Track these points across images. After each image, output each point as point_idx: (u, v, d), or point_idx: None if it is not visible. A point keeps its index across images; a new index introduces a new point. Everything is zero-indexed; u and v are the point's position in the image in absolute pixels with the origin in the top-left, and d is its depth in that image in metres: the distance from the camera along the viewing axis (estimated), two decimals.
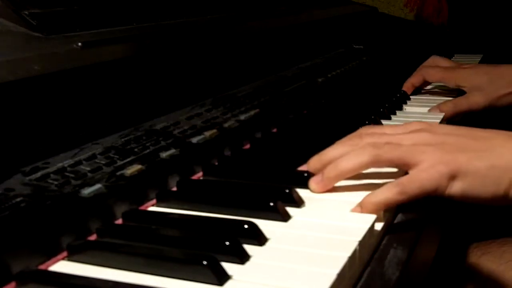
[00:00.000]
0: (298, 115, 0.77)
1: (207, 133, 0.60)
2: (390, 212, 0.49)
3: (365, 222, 0.45)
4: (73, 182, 0.46)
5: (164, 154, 0.54)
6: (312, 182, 0.51)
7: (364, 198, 0.48)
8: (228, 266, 0.38)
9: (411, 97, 0.91)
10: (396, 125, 0.56)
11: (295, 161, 0.58)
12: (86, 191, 0.45)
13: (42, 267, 0.40)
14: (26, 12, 0.60)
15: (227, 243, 0.39)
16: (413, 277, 0.47)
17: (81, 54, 0.57)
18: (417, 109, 0.84)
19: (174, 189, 0.53)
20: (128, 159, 0.51)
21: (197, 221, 0.46)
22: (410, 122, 0.55)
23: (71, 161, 0.49)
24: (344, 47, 1.20)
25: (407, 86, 0.91)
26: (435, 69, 0.90)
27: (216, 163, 0.59)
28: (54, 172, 0.47)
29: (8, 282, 0.38)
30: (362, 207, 0.47)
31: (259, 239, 0.42)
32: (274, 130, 0.71)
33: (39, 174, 0.46)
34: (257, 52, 0.89)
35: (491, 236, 0.78)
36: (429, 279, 0.54)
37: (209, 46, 0.77)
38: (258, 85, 0.81)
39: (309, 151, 0.56)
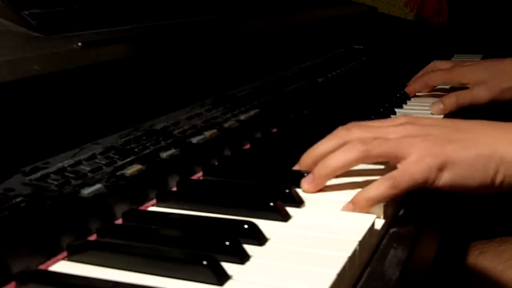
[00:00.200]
0: (298, 115, 0.77)
1: (207, 133, 0.60)
2: (390, 212, 0.49)
3: (365, 222, 0.45)
4: (73, 182, 0.46)
5: (164, 154, 0.54)
6: (304, 183, 0.52)
7: (357, 195, 0.48)
8: (228, 266, 0.38)
9: (411, 97, 0.91)
10: (382, 119, 0.57)
11: (295, 161, 0.58)
12: (86, 191, 0.45)
13: (42, 267, 0.40)
14: (26, 12, 0.60)
15: (227, 243, 0.39)
16: (413, 277, 0.47)
17: (81, 54, 0.57)
18: (417, 110, 0.84)
19: (174, 189, 0.53)
20: (128, 159, 0.51)
21: (197, 221, 0.46)
22: (396, 117, 0.55)
23: (71, 161, 0.49)
24: (344, 47, 1.20)
25: (409, 91, 0.91)
26: (436, 72, 0.90)
27: (216, 163, 0.59)
28: (54, 172, 0.47)
29: (8, 282, 0.38)
30: (355, 204, 0.47)
31: (259, 239, 0.42)
32: (274, 130, 0.71)
33: (39, 174, 0.46)
34: (257, 52, 0.89)
35: (489, 236, 0.78)
36: (429, 279, 0.54)
37: (209, 46, 0.77)
38: (258, 85, 0.81)
39: None
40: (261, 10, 1.07)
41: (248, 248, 0.40)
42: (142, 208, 0.49)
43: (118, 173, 0.49)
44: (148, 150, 0.54)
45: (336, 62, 1.04)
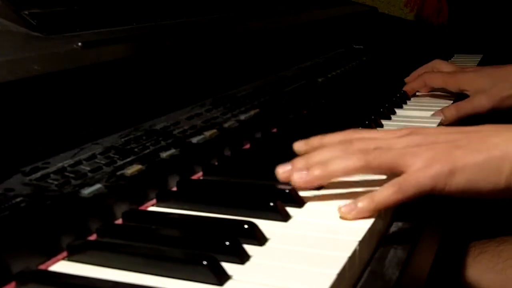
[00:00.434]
0: (298, 115, 0.77)
1: (207, 133, 0.60)
2: (390, 212, 0.49)
3: (365, 222, 0.45)
4: (73, 182, 0.46)
5: (164, 154, 0.54)
6: (296, 175, 0.49)
7: (361, 200, 0.46)
8: (228, 266, 0.38)
9: (411, 97, 0.91)
10: (385, 130, 0.55)
11: None
12: (86, 191, 0.45)
13: (42, 267, 0.40)
14: (26, 12, 0.60)
15: (227, 243, 0.39)
16: (413, 277, 0.47)
17: (81, 54, 0.57)
18: (417, 111, 0.84)
19: (174, 189, 0.53)
20: (128, 159, 0.51)
21: (197, 221, 0.46)
22: (399, 128, 0.54)
23: (71, 161, 0.49)
24: (344, 47, 1.20)
25: (408, 90, 0.91)
26: (436, 74, 0.90)
27: (216, 163, 0.59)
28: (54, 172, 0.47)
29: (8, 282, 0.38)
30: (358, 211, 0.46)
31: (259, 239, 0.42)
32: (274, 130, 0.71)
33: (39, 174, 0.46)
34: (257, 52, 0.89)
35: (489, 235, 0.78)
36: (429, 278, 0.54)
37: (209, 46, 0.77)
38: (258, 85, 0.81)
39: None
40: (261, 10, 1.07)
41: (248, 248, 0.40)
42: (142, 208, 0.49)
43: (118, 173, 0.49)
44: (148, 150, 0.54)
45: (336, 62, 1.04)
